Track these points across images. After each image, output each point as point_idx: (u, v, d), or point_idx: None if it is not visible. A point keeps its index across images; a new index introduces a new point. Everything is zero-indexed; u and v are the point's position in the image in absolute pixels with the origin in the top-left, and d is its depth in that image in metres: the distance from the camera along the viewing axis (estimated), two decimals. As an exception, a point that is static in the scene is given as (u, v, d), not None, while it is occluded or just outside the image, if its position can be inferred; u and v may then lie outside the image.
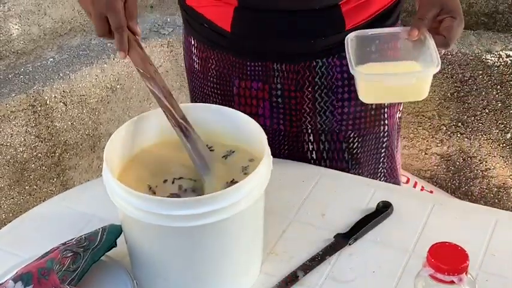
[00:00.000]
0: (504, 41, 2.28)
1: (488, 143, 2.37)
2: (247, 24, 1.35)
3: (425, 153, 2.51)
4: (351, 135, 1.43)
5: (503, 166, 2.39)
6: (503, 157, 2.37)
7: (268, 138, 1.10)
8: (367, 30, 1.28)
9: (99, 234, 1.10)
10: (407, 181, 2.48)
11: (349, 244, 1.19)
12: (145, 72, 1.14)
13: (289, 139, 1.45)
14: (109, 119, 2.38)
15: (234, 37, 1.37)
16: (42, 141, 2.19)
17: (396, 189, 1.43)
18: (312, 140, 1.44)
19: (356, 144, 1.44)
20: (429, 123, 2.44)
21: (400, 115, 1.53)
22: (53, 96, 2.18)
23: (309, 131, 1.43)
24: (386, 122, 1.46)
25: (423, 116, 2.43)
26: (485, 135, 2.36)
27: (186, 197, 1.08)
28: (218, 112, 1.19)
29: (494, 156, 2.39)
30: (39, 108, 2.15)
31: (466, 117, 2.36)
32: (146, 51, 1.18)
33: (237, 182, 1.05)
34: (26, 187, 2.20)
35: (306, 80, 1.38)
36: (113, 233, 1.11)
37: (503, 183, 2.42)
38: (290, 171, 1.37)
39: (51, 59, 2.29)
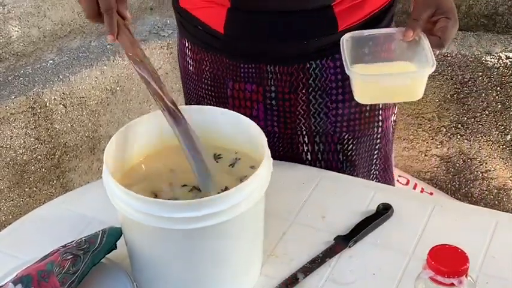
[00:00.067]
0: (504, 42, 2.29)
1: (488, 145, 2.37)
2: (240, 26, 1.35)
3: (425, 155, 2.51)
4: (345, 137, 1.43)
5: (503, 168, 2.39)
6: (503, 159, 2.37)
7: None
8: (363, 31, 1.28)
9: (99, 237, 1.10)
10: (407, 183, 2.48)
11: (349, 246, 1.19)
12: (135, 56, 1.14)
13: (284, 141, 1.45)
14: (109, 121, 2.38)
15: (227, 39, 1.37)
16: (42, 143, 2.19)
17: (396, 191, 1.44)
18: (306, 141, 1.44)
19: (351, 146, 1.45)
20: (429, 125, 2.44)
21: (395, 118, 1.53)
22: (53, 98, 2.18)
23: (304, 132, 1.44)
24: (380, 124, 1.46)
25: (423, 117, 2.43)
26: (485, 136, 2.36)
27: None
28: (218, 114, 1.19)
29: (494, 158, 2.39)
30: (38, 111, 2.15)
31: (466, 118, 2.36)
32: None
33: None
34: (26, 189, 2.20)
35: (300, 82, 1.38)
36: (113, 236, 1.11)
37: (503, 184, 2.42)
38: (290, 174, 1.37)
39: (51, 61, 2.29)
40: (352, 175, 1.45)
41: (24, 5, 2.14)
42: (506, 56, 2.23)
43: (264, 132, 1.11)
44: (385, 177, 1.55)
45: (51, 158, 2.24)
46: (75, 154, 2.31)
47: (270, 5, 1.31)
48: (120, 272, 1.11)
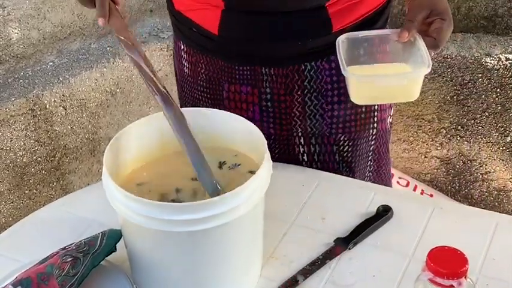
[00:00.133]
0: (503, 44, 2.29)
1: (488, 146, 2.38)
2: (234, 27, 1.35)
3: (425, 157, 2.51)
4: (341, 138, 1.44)
5: (503, 169, 2.39)
6: (503, 160, 2.37)
7: None
8: (358, 32, 1.29)
9: (99, 239, 1.10)
10: (408, 184, 2.48)
11: (349, 248, 1.19)
12: (127, 40, 1.14)
13: (280, 142, 1.45)
14: (109, 123, 2.38)
15: (222, 40, 1.37)
16: (41, 146, 2.19)
17: (396, 193, 1.44)
18: (302, 143, 1.45)
19: (347, 147, 1.45)
20: (429, 127, 2.44)
21: (391, 120, 1.53)
22: (53, 100, 2.18)
23: (300, 134, 1.44)
24: (375, 125, 1.46)
25: (423, 119, 2.43)
26: (485, 138, 2.36)
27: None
28: (217, 116, 1.19)
29: (494, 160, 2.39)
30: (38, 113, 2.15)
31: (465, 120, 2.36)
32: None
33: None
34: (26, 191, 2.20)
35: (295, 83, 1.38)
36: (112, 238, 1.11)
37: (503, 186, 2.42)
38: (290, 176, 1.37)
39: (51, 63, 2.29)
40: (348, 176, 1.45)
41: (24, 7, 2.14)
42: (506, 57, 2.23)
43: (260, 134, 1.11)
44: (379, 178, 1.55)
45: (51, 160, 2.24)
46: (75, 156, 2.30)
47: (264, 5, 1.32)
48: (120, 274, 1.11)
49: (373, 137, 1.47)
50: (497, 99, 2.28)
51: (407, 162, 2.55)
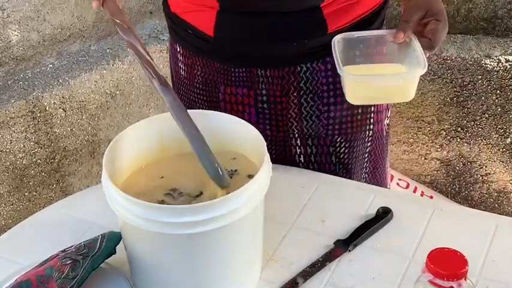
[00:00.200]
0: (503, 45, 2.29)
1: (488, 148, 2.37)
2: (229, 28, 1.35)
3: (425, 158, 2.51)
4: (338, 140, 1.44)
5: (503, 171, 2.39)
6: (503, 162, 2.37)
7: None
8: (354, 32, 1.29)
9: (99, 242, 1.10)
10: (407, 186, 2.48)
11: (349, 250, 1.19)
12: (123, 23, 1.13)
13: (277, 144, 1.45)
14: (108, 125, 2.38)
15: (217, 42, 1.37)
16: (41, 148, 2.19)
17: (396, 194, 1.44)
18: (299, 144, 1.45)
19: (343, 149, 1.45)
20: (429, 128, 2.44)
21: (388, 121, 1.53)
22: (53, 102, 2.18)
23: (296, 135, 1.44)
24: (372, 127, 1.46)
25: (423, 121, 2.43)
26: (485, 140, 2.36)
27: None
28: (216, 118, 1.19)
29: (494, 161, 2.38)
30: (38, 115, 2.15)
31: (465, 122, 2.36)
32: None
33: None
34: (26, 193, 2.19)
35: (291, 85, 1.38)
36: (112, 240, 1.11)
37: (503, 188, 2.42)
38: (290, 178, 1.37)
39: (51, 65, 2.29)
40: (345, 177, 1.46)
41: (24, 9, 2.14)
42: (505, 59, 2.23)
43: (257, 135, 1.11)
44: (375, 179, 1.55)
45: (51, 162, 2.24)
46: (74, 158, 2.30)
47: (259, 6, 1.32)
48: (119, 276, 1.11)
49: (370, 139, 1.47)
50: (497, 100, 2.28)
51: (407, 164, 2.55)
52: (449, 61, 2.28)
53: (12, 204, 2.17)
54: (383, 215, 1.25)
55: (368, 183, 1.53)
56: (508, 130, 2.32)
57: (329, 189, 1.35)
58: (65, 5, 2.25)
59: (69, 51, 2.34)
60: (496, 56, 2.24)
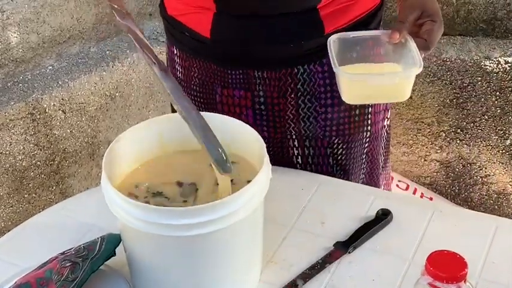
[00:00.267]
0: (503, 47, 2.29)
1: (487, 150, 2.37)
2: (226, 30, 1.35)
3: (425, 160, 2.51)
4: (335, 141, 1.44)
5: (503, 172, 2.39)
6: (502, 163, 2.37)
7: None
8: (349, 32, 1.29)
9: (98, 244, 1.10)
10: (407, 188, 2.48)
11: (349, 252, 1.19)
12: (121, 9, 1.13)
13: (274, 145, 1.45)
14: (108, 127, 2.38)
15: (214, 44, 1.37)
16: (41, 149, 2.19)
17: (395, 196, 1.44)
18: (296, 145, 1.45)
19: (341, 150, 1.45)
20: (428, 130, 2.44)
21: (388, 123, 1.53)
22: (52, 104, 2.18)
23: (293, 136, 1.44)
24: (369, 128, 1.46)
25: (422, 122, 2.43)
26: (484, 141, 2.36)
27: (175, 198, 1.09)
28: (215, 120, 1.18)
29: (494, 163, 2.39)
30: (38, 117, 2.15)
31: (465, 123, 2.36)
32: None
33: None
34: (25, 195, 2.19)
35: (288, 86, 1.38)
36: (111, 242, 1.11)
37: (503, 189, 2.42)
38: (289, 179, 1.37)
39: (50, 67, 2.29)
40: (342, 178, 1.46)
41: (23, 11, 2.15)
42: (505, 60, 2.23)
43: (254, 137, 1.11)
44: (373, 180, 1.55)
45: (51, 164, 2.24)
46: (74, 160, 2.30)
47: (255, 7, 1.32)
48: (119, 278, 1.11)
49: (367, 140, 1.47)
50: (496, 102, 2.28)
51: (406, 166, 2.55)
52: (448, 62, 2.29)
53: (11, 206, 2.17)
54: (383, 217, 1.25)
55: (366, 183, 1.53)
56: (507, 132, 2.32)
57: (329, 191, 1.35)
58: (64, 7, 2.25)
59: (69, 53, 2.34)
60: (496, 58, 2.24)
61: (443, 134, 2.42)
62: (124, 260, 1.12)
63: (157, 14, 2.56)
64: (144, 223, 0.99)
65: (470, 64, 2.26)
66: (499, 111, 2.29)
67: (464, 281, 0.91)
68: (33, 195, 2.22)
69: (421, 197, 2.45)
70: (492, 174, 2.41)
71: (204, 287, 1.08)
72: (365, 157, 1.50)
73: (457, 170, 2.46)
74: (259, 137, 1.11)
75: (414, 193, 2.46)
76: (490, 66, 2.24)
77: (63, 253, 1.09)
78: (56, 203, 1.40)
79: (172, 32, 1.46)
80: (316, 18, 1.32)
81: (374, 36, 1.29)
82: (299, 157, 1.46)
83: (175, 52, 1.47)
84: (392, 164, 2.52)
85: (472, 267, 0.93)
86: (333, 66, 1.21)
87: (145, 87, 2.47)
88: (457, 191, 2.51)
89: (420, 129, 2.45)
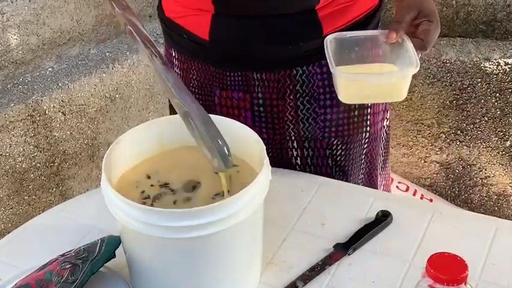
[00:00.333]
0: (502, 48, 2.29)
1: (487, 151, 2.38)
2: (225, 31, 1.35)
3: (425, 161, 2.51)
4: (334, 142, 1.44)
5: (503, 174, 2.39)
6: (502, 165, 2.37)
7: None
8: (346, 32, 1.30)
9: (98, 246, 1.10)
10: (407, 189, 2.48)
11: (349, 254, 1.19)
12: (122, 1, 1.12)
13: (273, 146, 1.45)
14: (108, 129, 2.38)
15: (213, 46, 1.37)
16: (41, 151, 2.19)
17: (395, 198, 1.43)
18: (295, 146, 1.45)
19: (340, 151, 1.45)
20: (428, 131, 2.44)
21: (387, 123, 1.53)
22: (52, 106, 2.18)
23: (292, 138, 1.44)
24: (368, 129, 1.46)
25: (422, 124, 2.43)
26: (484, 143, 2.36)
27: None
28: (215, 121, 1.18)
29: (494, 164, 2.39)
30: (38, 118, 2.15)
31: (465, 125, 2.36)
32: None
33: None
34: (25, 197, 2.19)
35: (287, 88, 1.38)
36: (111, 244, 1.11)
37: (503, 191, 2.42)
38: (289, 181, 1.37)
39: (50, 69, 2.29)
40: (342, 179, 1.46)
41: (23, 13, 2.15)
42: (505, 62, 2.23)
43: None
44: (371, 181, 1.55)
45: (51, 166, 2.23)
46: (74, 162, 2.30)
47: (253, 8, 1.32)
48: (119, 280, 1.11)
49: (366, 140, 1.47)
50: (496, 103, 2.28)
51: (406, 167, 2.55)
52: (448, 64, 2.29)
53: (11, 208, 2.17)
54: (382, 219, 1.25)
55: (365, 184, 1.53)
56: (507, 133, 2.32)
57: (328, 193, 1.35)
58: (64, 9, 2.26)
59: (69, 54, 2.34)
60: (495, 59, 2.24)
61: (443, 136, 2.42)
62: (124, 262, 1.12)
63: (157, 15, 2.57)
64: (144, 225, 0.99)
65: (470, 66, 2.26)
66: (498, 112, 2.29)
67: (465, 283, 0.91)
68: (33, 197, 2.22)
69: (421, 198, 2.45)
70: (492, 175, 2.41)
71: (204, 288, 1.08)
72: (364, 158, 1.50)
73: (457, 171, 2.46)
74: (259, 138, 1.11)
75: (414, 194, 2.46)
76: (489, 68, 2.24)
77: (63, 255, 1.09)
78: (55, 204, 1.40)
79: (170, 34, 1.46)
80: (314, 19, 1.32)
81: (371, 36, 1.29)
82: (298, 158, 1.46)
83: (173, 54, 1.47)
84: (392, 165, 2.53)
85: (472, 269, 0.93)
86: (329, 65, 1.21)
87: (145, 88, 2.47)
88: (457, 192, 2.51)
89: (420, 131, 2.45)
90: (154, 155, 1.19)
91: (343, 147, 1.45)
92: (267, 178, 1.06)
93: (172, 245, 1.02)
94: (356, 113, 1.42)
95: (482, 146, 2.37)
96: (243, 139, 1.15)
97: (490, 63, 2.24)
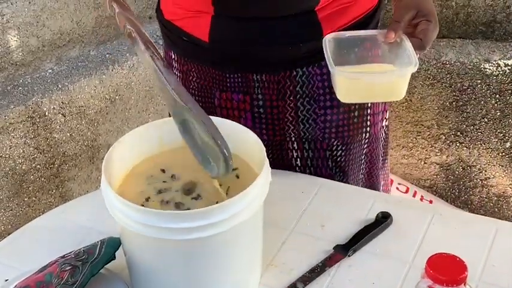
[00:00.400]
0: (502, 50, 2.29)
1: (487, 152, 2.38)
2: (224, 33, 1.35)
3: (425, 163, 2.51)
4: (334, 143, 1.44)
5: (503, 175, 2.39)
6: (502, 166, 2.37)
7: None
8: (344, 32, 1.29)
9: (98, 247, 1.10)
10: (407, 190, 2.48)
11: (349, 255, 1.19)
12: (123, 1, 1.12)
13: (273, 148, 1.45)
14: (108, 130, 2.38)
15: (212, 47, 1.37)
16: (41, 153, 2.19)
17: (395, 199, 1.44)
18: (295, 147, 1.45)
19: (340, 152, 1.45)
20: (428, 133, 2.44)
21: (387, 123, 1.53)
22: (52, 107, 2.18)
23: (293, 139, 1.44)
24: (368, 129, 1.46)
25: (422, 125, 2.43)
26: (484, 144, 2.36)
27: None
28: (216, 124, 1.18)
29: (494, 165, 2.39)
30: (38, 120, 2.15)
31: (465, 126, 2.36)
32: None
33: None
34: (25, 199, 2.19)
35: (287, 89, 1.38)
36: (111, 246, 1.11)
37: (503, 192, 2.42)
38: (289, 183, 1.37)
39: (50, 71, 2.29)
40: (342, 180, 1.46)
41: (23, 15, 2.15)
42: (504, 63, 2.23)
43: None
44: (370, 181, 1.55)
45: (50, 168, 2.24)
46: (74, 163, 2.30)
47: (253, 10, 1.32)
48: (119, 282, 1.11)
49: (366, 141, 1.48)
50: (496, 105, 2.28)
51: (406, 168, 2.55)
52: (448, 65, 2.29)
53: (11, 210, 2.17)
54: (382, 220, 1.25)
55: (364, 184, 1.53)
56: (507, 134, 2.32)
57: (328, 194, 1.35)
58: (64, 11, 2.26)
59: (69, 56, 2.34)
60: (495, 60, 2.24)
61: (443, 137, 2.42)
62: (124, 264, 1.11)
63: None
64: (143, 226, 0.99)
65: (469, 67, 2.26)
66: (498, 113, 2.29)
67: (464, 284, 0.91)
68: (33, 198, 2.22)
69: (421, 199, 2.45)
70: (492, 176, 2.41)
71: (204, 290, 1.08)
72: (364, 158, 1.50)
73: (457, 172, 2.46)
74: (259, 140, 1.11)
75: (414, 196, 2.46)
76: (489, 69, 2.24)
77: (63, 257, 1.09)
78: (55, 206, 1.40)
79: (169, 37, 1.46)
80: (314, 20, 1.32)
81: (369, 36, 1.29)
82: (298, 159, 1.46)
83: (173, 57, 1.47)
84: (392, 166, 2.53)
85: (472, 270, 0.93)
86: (328, 65, 1.21)
87: (145, 90, 2.47)
88: (457, 193, 2.51)
89: (420, 132, 2.45)
90: (155, 156, 1.19)
91: (343, 148, 1.45)
92: (267, 180, 1.06)
93: (172, 246, 1.02)
94: (356, 113, 1.42)
95: (482, 147, 2.37)
96: (243, 141, 1.15)
97: (490, 64, 2.24)
